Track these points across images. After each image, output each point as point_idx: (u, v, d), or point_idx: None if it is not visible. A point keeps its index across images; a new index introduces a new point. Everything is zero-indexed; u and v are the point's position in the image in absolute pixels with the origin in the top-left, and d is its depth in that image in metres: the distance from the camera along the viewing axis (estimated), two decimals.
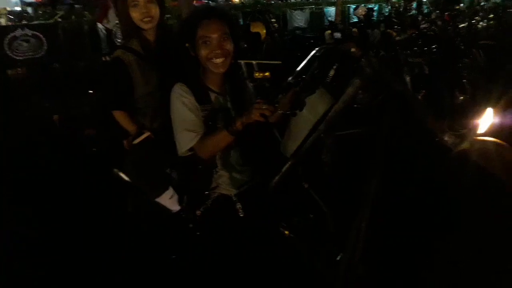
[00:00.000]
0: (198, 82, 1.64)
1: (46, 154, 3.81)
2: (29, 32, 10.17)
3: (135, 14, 1.83)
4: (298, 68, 1.62)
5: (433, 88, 3.91)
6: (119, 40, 11.48)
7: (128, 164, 1.82)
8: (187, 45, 1.58)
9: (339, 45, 1.48)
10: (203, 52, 1.55)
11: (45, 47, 10.34)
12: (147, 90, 1.86)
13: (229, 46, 1.58)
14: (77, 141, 3.26)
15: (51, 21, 14.90)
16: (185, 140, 1.56)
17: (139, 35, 1.90)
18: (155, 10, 1.87)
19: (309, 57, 1.59)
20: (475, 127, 1.26)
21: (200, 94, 1.62)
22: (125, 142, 1.86)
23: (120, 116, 1.87)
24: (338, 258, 1.63)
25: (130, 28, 1.89)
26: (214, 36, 1.54)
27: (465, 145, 1.24)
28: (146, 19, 1.83)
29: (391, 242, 1.70)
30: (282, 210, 1.70)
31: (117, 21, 2.77)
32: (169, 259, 1.93)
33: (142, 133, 1.79)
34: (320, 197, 1.68)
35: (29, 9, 25.37)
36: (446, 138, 1.29)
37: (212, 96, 1.66)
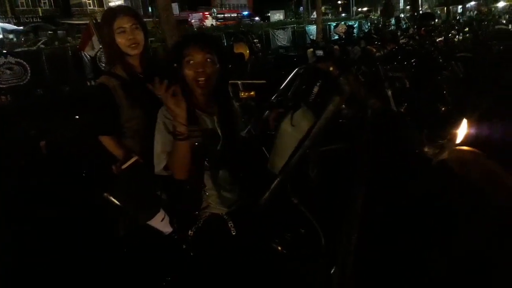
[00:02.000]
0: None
1: (33, 179, 3.78)
2: (12, 59, 10.14)
3: (121, 40, 1.88)
4: (281, 87, 1.67)
5: (414, 101, 4.00)
6: (103, 65, 11.54)
7: (117, 188, 1.83)
8: (175, 65, 1.63)
9: (318, 64, 1.54)
10: (188, 72, 1.61)
11: (29, 74, 10.31)
12: (133, 115, 1.89)
13: (213, 68, 1.63)
14: (65, 166, 3.26)
15: (34, 47, 14.92)
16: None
17: (123, 60, 1.94)
18: (140, 36, 1.92)
19: (290, 76, 1.65)
20: (453, 138, 1.31)
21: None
22: (113, 167, 1.87)
23: (107, 141, 1.89)
24: (331, 272, 1.65)
25: (114, 54, 1.93)
26: (198, 56, 1.60)
27: (444, 155, 1.29)
28: (133, 45, 1.88)
29: (381, 253, 1.73)
30: (274, 227, 1.72)
31: (100, 47, 2.80)
32: (164, 281, 1.93)
33: (130, 157, 1.80)
34: (310, 211, 1.71)
35: (11, 36, 25.35)
36: (425, 149, 1.34)
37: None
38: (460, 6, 26.50)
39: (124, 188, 1.81)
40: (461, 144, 1.32)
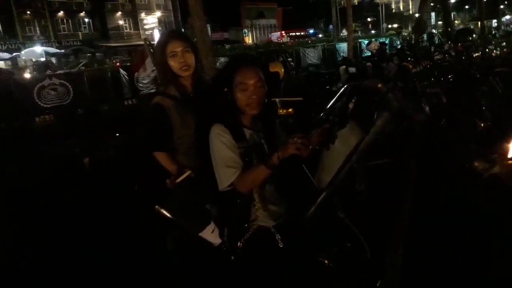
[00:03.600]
0: (234, 122, 1.76)
1: (78, 193, 3.97)
2: (56, 81, 10.73)
3: (173, 63, 2.01)
4: (329, 105, 1.73)
5: (452, 117, 3.95)
6: (141, 85, 12.01)
7: (172, 202, 1.92)
8: (225, 89, 1.72)
9: (366, 81, 1.59)
10: (241, 97, 1.70)
11: (71, 94, 10.86)
12: (186, 132, 2.00)
13: (263, 90, 1.72)
14: (109, 181, 3.43)
15: (75, 69, 15.71)
16: (226, 175, 1.67)
17: (176, 81, 2.06)
18: (191, 59, 2.04)
19: (338, 93, 1.71)
20: (504, 152, 1.32)
21: (236, 132, 1.74)
22: (168, 181, 1.98)
23: (161, 157, 2.00)
24: (377, 285, 1.67)
25: (168, 76, 2.06)
26: (251, 82, 1.69)
27: (495, 169, 1.31)
28: (184, 68, 2.01)
29: (428, 267, 1.73)
30: (320, 240, 1.75)
31: (153, 69, 2.97)
32: None
33: (183, 172, 1.90)
34: (356, 226, 1.74)
35: (53, 59, 26.75)
36: (476, 164, 1.36)
37: (247, 134, 1.77)
38: (495, 20, 25.90)
39: (177, 201, 1.90)
40: None
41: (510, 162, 1.30)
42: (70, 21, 34.44)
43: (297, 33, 41.45)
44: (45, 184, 4.57)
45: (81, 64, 17.79)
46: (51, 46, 31.05)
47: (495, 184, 1.31)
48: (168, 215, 2.02)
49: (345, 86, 1.67)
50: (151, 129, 2.06)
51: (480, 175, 1.34)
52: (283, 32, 41.98)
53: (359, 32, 36.08)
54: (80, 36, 34.73)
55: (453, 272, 1.76)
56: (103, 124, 8.40)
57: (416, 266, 1.78)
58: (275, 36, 40.30)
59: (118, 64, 11.21)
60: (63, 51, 30.20)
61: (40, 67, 18.93)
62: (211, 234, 1.84)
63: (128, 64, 15.26)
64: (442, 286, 1.77)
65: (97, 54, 30.06)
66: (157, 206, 2.04)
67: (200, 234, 1.84)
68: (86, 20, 35.39)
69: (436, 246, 1.79)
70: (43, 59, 27.31)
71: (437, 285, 1.79)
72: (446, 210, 1.69)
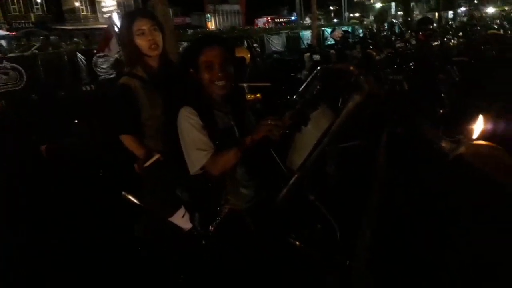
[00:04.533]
0: (202, 104, 1.72)
1: (38, 182, 3.80)
2: (7, 64, 10.08)
3: (141, 42, 1.92)
4: (301, 88, 1.73)
5: (413, 103, 4.06)
6: (99, 70, 11.56)
7: (140, 187, 1.86)
8: (191, 70, 1.67)
9: (338, 65, 1.60)
10: (207, 76, 1.65)
11: (25, 79, 10.26)
12: (153, 114, 1.93)
13: (229, 69, 1.69)
14: (70, 168, 3.29)
15: (28, 53, 14.85)
16: (197, 158, 1.63)
17: (143, 62, 1.98)
18: (159, 38, 1.97)
19: (310, 77, 1.71)
20: (469, 134, 1.37)
21: (205, 115, 1.70)
22: (135, 165, 1.91)
23: (128, 140, 1.92)
24: (347, 265, 1.71)
25: (134, 56, 1.97)
26: (216, 61, 1.65)
27: (461, 150, 1.36)
28: (153, 46, 1.93)
29: (397, 247, 1.79)
30: (291, 222, 1.77)
31: (118, 50, 2.85)
32: (179, 279, 1.96)
33: (151, 156, 1.84)
34: (326, 208, 1.77)
35: (3, 42, 25.16)
36: (443, 145, 1.40)
37: (217, 116, 1.74)
38: (451, 12, 26.96)
39: (146, 185, 1.84)
40: (478, 139, 1.38)
41: (474, 143, 1.35)
42: (21, 1, 32.37)
43: (281, 20, 44.51)
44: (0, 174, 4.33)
45: (34, 48, 16.80)
46: (1, 28, 29.14)
47: (460, 164, 1.36)
48: (136, 201, 1.97)
49: (317, 69, 1.67)
50: (117, 111, 1.97)
51: (447, 155, 1.38)
52: (269, 17, 44.60)
53: (322, 21, 36.41)
54: (32, 18, 32.76)
55: (417, 252, 1.83)
56: (60, 110, 8.03)
57: (384, 246, 1.84)
58: (261, 21, 42.20)
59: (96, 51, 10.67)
60: (14, 33, 28.45)
61: None
62: (181, 219, 1.80)
63: (85, 48, 14.61)
64: (408, 268, 1.83)
65: (51, 37, 28.53)
66: (124, 192, 1.99)
67: (170, 219, 1.79)
68: (39, 0, 33.41)
69: (403, 226, 1.84)
70: None
71: (404, 265, 1.85)
72: (413, 191, 1.74)
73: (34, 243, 2.62)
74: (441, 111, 4.19)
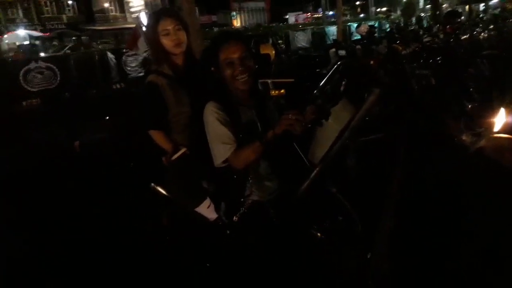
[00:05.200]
0: (226, 99, 1.79)
1: (72, 176, 3.99)
2: (43, 64, 10.49)
3: (166, 42, 2.01)
4: (322, 82, 1.77)
5: (441, 98, 4.02)
6: (128, 69, 11.87)
7: (168, 179, 1.96)
8: (212, 69, 1.74)
9: (359, 59, 1.63)
10: (228, 72, 1.72)
11: (58, 78, 10.66)
12: (180, 110, 2.02)
13: (250, 63, 1.74)
14: (102, 162, 3.45)
15: (61, 53, 15.40)
16: (221, 152, 1.70)
17: (169, 60, 2.07)
18: (183, 36, 2.05)
19: (331, 71, 1.74)
20: (490, 126, 1.38)
21: (229, 110, 1.77)
22: (163, 159, 2.00)
23: (156, 135, 2.02)
24: (368, 257, 1.74)
25: (160, 54, 2.06)
26: (235, 56, 1.71)
27: (482, 142, 1.37)
28: (177, 45, 2.01)
29: (417, 240, 1.80)
30: (313, 214, 1.81)
31: (146, 49, 2.96)
32: (204, 267, 2.05)
33: (178, 150, 1.93)
34: (347, 200, 1.80)
35: (37, 43, 26.16)
36: (463, 138, 1.42)
37: (240, 111, 1.80)
38: (482, 4, 26.01)
39: (173, 178, 1.94)
40: (499, 132, 1.39)
41: (494, 136, 1.36)
42: (54, 3, 33.52)
43: (319, 15, 43.65)
44: (37, 168, 4.57)
45: (66, 48, 17.42)
46: (35, 30, 30.27)
47: (481, 157, 1.37)
48: (164, 192, 2.06)
49: (338, 64, 1.70)
50: (145, 108, 2.07)
51: (468, 148, 1.40)
52: (308, 14, 45.02)
53: (348, 16, 35.95)
54: (65, 19, 33.90)
55: (437, 245, 1.83)
56: (91, 108, 8.32)
57: (405, 240, 1.85)
58: (301, 17, 43.34)
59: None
60: (47, 34, 29.52)
61: (25, 50, 18.49)
62: (207, 209, 1.88)
63: (115, 48, 15.02)
64: (427, 259, 1.84)
65: (82, 37, 29.44)
66: (152, 184, 2.08)
67: (196, 209, 1.88)
68: (70, 2, 34.50)
69: (423, 219, 1.86)
70: (26, 42, 26.69)
71: (424, 258, 1.87)
72: (435, 183, 1.76)
73: (71, 233, 2.78)
74: (469, 106, 4.11)
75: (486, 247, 1.69)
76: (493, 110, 1.47)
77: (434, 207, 1.79)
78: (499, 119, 1.37)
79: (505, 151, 1.36)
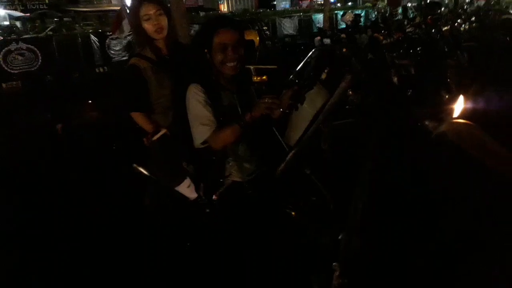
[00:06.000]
0: (210, 82, 1.84)
1: (53, 158, 4.01)
2: (23, 45, 10.29)
3: (148, 26, 2.05)
4: (298, 68, 1.84)
5: (419, 88, 4.14)
6: (112, 52, 11.72)
7: (150, 159, 2.02)
8: (205, 50, 1.78)
9: (332, 47, 1.71)
10: (219, 57, 1.76)
11: (40, 60, 10.48)
12: (162, 92, 2.07)
13: (241, 51, 1.80)
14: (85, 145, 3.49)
15: (42, 34, 15.04)
16: (200, 133, 1.77)
17: (151, 44, 2.11)
18: (164, 22, 2.09)
19: (306, 58, 1.82)
20: (450, 112, 1.48)
21: (211, 92, 1.82)
22: (144, 140, 2.06)
23: (138, 117, 2.07)
24: (339, 237, 1.84)
25: (143, 38, 2.11)
26: (229, 42, 1.76)
27: (443, 127, 1.47)
28: (158, 30, 2.06)
29: (386, 220, 1.92)
30: (288, 194, 1.91)
31: (129, 32, 2.98)
32: (184, 246, 2.13)
33: (159, 131, 1.99)
34: (321, 181, 1.90)
35: (18, 23, 25.40)
36: (426, 123, 1.52)
37: (222, 94, 1.87)
38: None
39: (154, 158, 2.00)
40: (458, 118, 1.49)
41: (454, 121, 1.46)
42: None
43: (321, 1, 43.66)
44: (20, 151, 4.56)
45: (48, 29, 17.00)
46: (15, 10, 29.38)
47: (442, 141, 1.48)
48: (146, 172, 2.13)
49: (313, 50, 1.77)
50: (128, 90, 2.12)
51: (430, 133, 1.50)
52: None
53: (339, 4, 35.96)
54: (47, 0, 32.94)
55: (406, 226, 1.95)
56: (74, 91, 8.24)
57: (375, 220, 1.96)
58: (305, 3, 41.99)
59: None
60: (28, 14, 28.69)
61: (5, 31, 18.01)
62: (187, 189, 1.96)
63: (99, 30, 14.75)
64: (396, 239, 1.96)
65: (65, 19, 28.70)
66: (134, 165, 2.15)
67: (177, 188, 1.95)
68: None
69: (393, 201, 1.97)
70: (6, 23, 25.93)
71: (392, 238, 1.98)
72: (404, 166, 1.86)
73: (53, 214, 2.83)
74: (447, 96, 4.24)
75: (451, 229, 1.81)
76: (452, 96, 1.57)
77: (402, 190, 1.91)
78: (458, 105, 1.47)
79: (464, 136, 1.46)
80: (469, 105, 1.48)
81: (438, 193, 1.80)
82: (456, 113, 1.47)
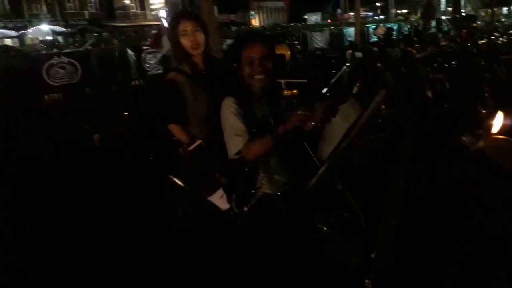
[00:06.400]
0: (243, 95, 1.90)
1: (92, 167, 4.17)
2: (65, 59, 10.77)
3: (185, 42, 2.14)
4: (331, 82, 1.86)
5: (455, 103, 4.05)
6: (148, 65, 12.10)
7: (184, 169, 2.09)
8: (234, 64, 1.86)
9: (366, 62, 1.72)
10: (247, 70, 1.83)
11: (80, 73, 10.94)
12: (197, 106, 2.15)
13: (269, 64, 1.85)
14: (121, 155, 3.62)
15: (82, 48, 15.74)
16: (234, 143, 1.81)
17: (188, 59, 2.19)
18: (201, 38, 2.17)
19: (340, 72, 1.83)
20: (488, 128, 1.46)
21: (245, 105, 1.87)
22: (180, 150, 2.13)
23: (175, 129, 2.15)
24: (371, 256, 1.81)
25: (180, 54, 2.19)
26: (257, 56, 1.82)
27: (481, 143, 1.44)
28: (194, 46, 2.14)
29: (420, 236, 1.88)
30: (319, 209, 1.90)
31: (169, 47, 3.11)
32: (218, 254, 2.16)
33: (194, 142, 2.06)
34: (353, 197, 1.89)
35: (60, 38, 26.74)
36: (464, 138, 1.49)
37: (255, 107, 1.91)
38: (506, 8, 25.55)
39: (189, 168, 2.07)
40: (497, 134, 1.46)
41: (493, 137, 1.43)
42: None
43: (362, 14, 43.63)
44: (57, 160, 4.77)
45: (88, 44, 17.80)
46: (58, 25, 30.98)
47: (481, 157, 1.45)
48: (180, 183, 2.19)
49: (347, 65, 1.79)
50: (165, 103, 2.20)
51: (468, 149, 1.47)
52: (350, 13, 44.04)
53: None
54: (87, 15, 34.55)
55: (439, 244, 1.90)
56: (111, 103, 8.53)
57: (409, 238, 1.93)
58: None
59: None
60: (69, 30, 30.17)
61: (48, 45, 18.98)
62: (219, 199, 2.00)
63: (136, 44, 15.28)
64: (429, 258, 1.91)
65: (103, 34, 30.00)
66: (170, 176, 2.21)
67: (209, 198, 2.00)
68: None
69: (428, 219, 1.93)
70: (49, 37, 27.34)
71: (426, 257, 1.94)
72: (438, 183, 1.83)
73: (89, 222, 2.93)
74: (484, 111, 4.11)
75: (487, 248, 1.75)
76: (492, 113, 1.54)
77: (437, 206, 1.87)
78: (497, 121, 1.44)
79: (503, 152, 1.43)
80: (508, 121, 1.44)
81: (474, 209, 1.75)
82: (494, 129, 1.44)
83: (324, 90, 1.84)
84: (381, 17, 37.61)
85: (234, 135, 1.81)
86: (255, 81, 1.85)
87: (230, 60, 1.89)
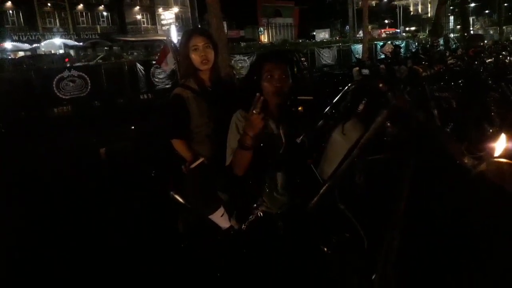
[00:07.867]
0: None
1: (96, 180, 4.19)
2: (75, 73, 10.95)
3: (195, 57, 2.16)
4: (334, 101, 1.86)
5: (461, 121, 4.02)
6: (156, 80, 12.25)
7: (186, 186, 2.08)
8: (255, 77, 1.88)
9: (368, 81, 1.72)
10: (267, 86, 1.84)
11: (89, 87, 11.10)
12: (202, 121, 2.16)
13: (287, 82, 1.86)
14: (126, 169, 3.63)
15: (93, 62, 16.02)
16: (228, 155, 1.83)
17: (195, 75, 2.21)
18: (211, 54, 2.20)
19: (343, 91, 1.84)
20: (491, 151, 1.44)
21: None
22: (183, 167, 2.13)
23: (178, 144, 2.15)
24: (372, 278, 1.78)
25: (189, 69, 2.21)
26: (277, 73, 1.84)
27: (483, 166, 1.42)
28: (204, 61, 2.16)
29: (421, 259, 1.84)
30: (320, 229, 1.88)
31: (174, 64, 3.16)
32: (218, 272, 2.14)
33: (197, 159, 2.06)
34: (355, 217, 1.87)
35: (71, 52, 27.25)
36: (465, 161, 1.47)
37: (267, 123, 1.91)
38: None
39: (191, 185, 2.06)
40: (499, 156, 1.44)
41: (495, 160, 1.41)
42: (89, 14, 34.96)
43: (387, 32, 45.03)
44: (63, 172, 4.81)
45: (98, 57, 18.12)
46: (70, 39, 31.61)
47: (482, 180, 1.43)
48: (181, 200, 2.19)
49: (350, 84, 1.79)
50: (170, 118, 2.21)
51: (469, 171, 1.45)
52: (382, 30, 45.38)
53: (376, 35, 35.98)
54: (98, 30, 35.24)
55: (442, 267, 1.87)
56: (119, 117, 8.62)
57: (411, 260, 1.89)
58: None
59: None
60: (81, 43, 30.76)
61: (59, 59, 19.36)
62: (220, 218, 1.99)
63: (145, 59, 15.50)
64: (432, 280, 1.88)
65: (114, 48, 30.54)
66: (172, 192, 2.21)
67: (210, 216, 1.99)
68: (105, 13, 35.89)
69: (429, 240, 1.89)
70: (62, 51, 27.89)
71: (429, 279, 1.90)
72: (440, 205, 1.80)
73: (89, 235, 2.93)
74: (491, 130, 4.08)
75: (490, 271, 1.72)
76: (493, 134, 1.52)
77: (439, 229, 1.84)
78: (500, 144, 1.42)
79: (506, 176, 1.41)
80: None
81: (477, 233, 1.72)
82: (497, 152, 1.42)
83: (327, 109, 1.84)
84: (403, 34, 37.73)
85: (230, 146, 1.83)
86: (273, 96, 1.86)
87: (252, 75, 1.91)
